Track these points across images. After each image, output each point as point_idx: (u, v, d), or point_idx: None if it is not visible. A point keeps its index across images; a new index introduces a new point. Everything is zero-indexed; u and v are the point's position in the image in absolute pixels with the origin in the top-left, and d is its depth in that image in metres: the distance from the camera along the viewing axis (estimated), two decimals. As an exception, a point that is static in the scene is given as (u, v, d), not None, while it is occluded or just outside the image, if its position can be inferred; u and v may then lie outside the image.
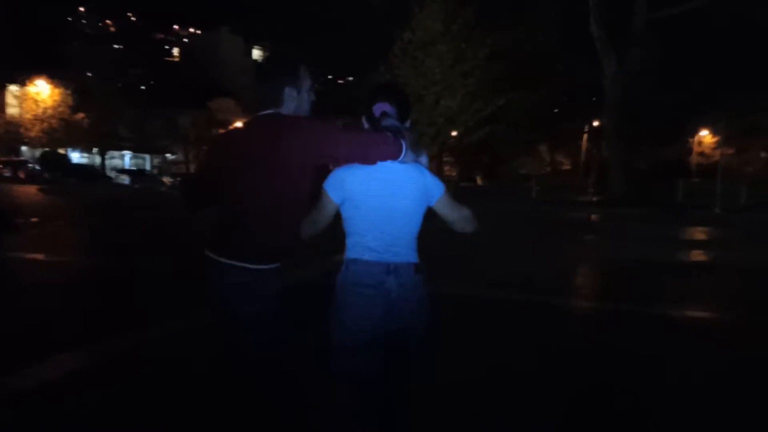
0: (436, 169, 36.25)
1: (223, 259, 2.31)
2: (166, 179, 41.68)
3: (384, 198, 2.32)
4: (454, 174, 49.12)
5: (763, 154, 45.20)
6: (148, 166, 50.84)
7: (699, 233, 13.42)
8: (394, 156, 2.28)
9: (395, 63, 23.85)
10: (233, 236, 2.34)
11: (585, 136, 49.62)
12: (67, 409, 3.28)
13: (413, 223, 2.37)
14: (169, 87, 50.48)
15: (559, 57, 26.84)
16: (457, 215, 2.46)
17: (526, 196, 22.25)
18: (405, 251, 2.34)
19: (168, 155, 50.22)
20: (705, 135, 49.47)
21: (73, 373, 3.76)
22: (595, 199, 22.18)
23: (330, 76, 63.09)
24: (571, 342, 4.85)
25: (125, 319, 5.02)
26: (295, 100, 2.38)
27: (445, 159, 39.89)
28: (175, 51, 70.16)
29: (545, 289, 6.92)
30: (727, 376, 4.14)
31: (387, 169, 2.31)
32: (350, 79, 62.30)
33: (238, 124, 2.54)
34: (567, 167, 51.13)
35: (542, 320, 5.51)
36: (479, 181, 43.67)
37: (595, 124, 47.68)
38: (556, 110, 35.21)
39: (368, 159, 2.27)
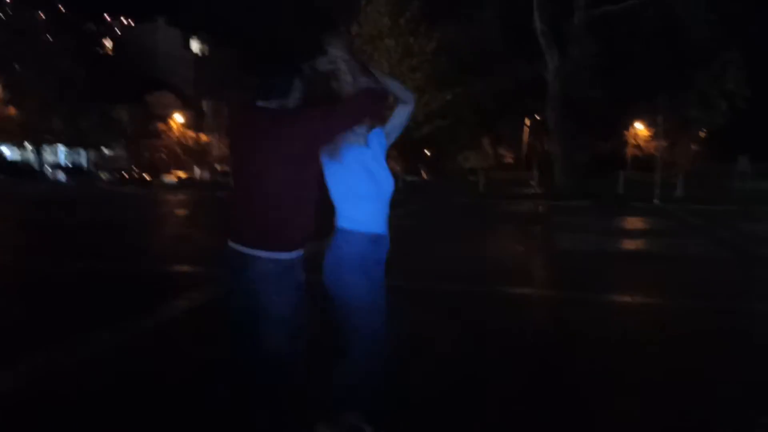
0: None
1: (246, 250, 2.41)
2: (104, 175, 40.40)
3: None
4: (398, 168, 49.31)
5: (693, 147, 46.99)
6: (84, 162, 49.13)
7: (642, 224, 13.94)
8: (383, 100, 2.48)
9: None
10: (249, 224, 2.43)
11: (526, 129, 50.78)
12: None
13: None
14: (104, 80, 48.86)
15: (502, 52, 27.26)
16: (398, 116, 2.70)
17: (473, 190, 22.60)
18: None
19: (105, 150, 48.62)
20: (640, 128, 51.20)
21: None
22: (540, 191, 22.71)
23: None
24: (523, 329, 5.03)
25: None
26: (299, 91, 2.48)
27: (390, 153, 39.86)
28: (108, 43, 67.96)
29: (499, 281, 7.05)
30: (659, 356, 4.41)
31: None
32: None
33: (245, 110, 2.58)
34: (509, 161, 52.08)
35: (494, 310, 5.59)
36: (424, 175, 43.97)
37: (536, 117, 48.89)
38: (499, 105, 35.69)
39: (366, 120, 2.48)
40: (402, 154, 44.87)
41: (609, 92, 29.40)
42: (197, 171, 53.33)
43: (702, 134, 42.18)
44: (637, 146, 53.73)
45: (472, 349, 4.38)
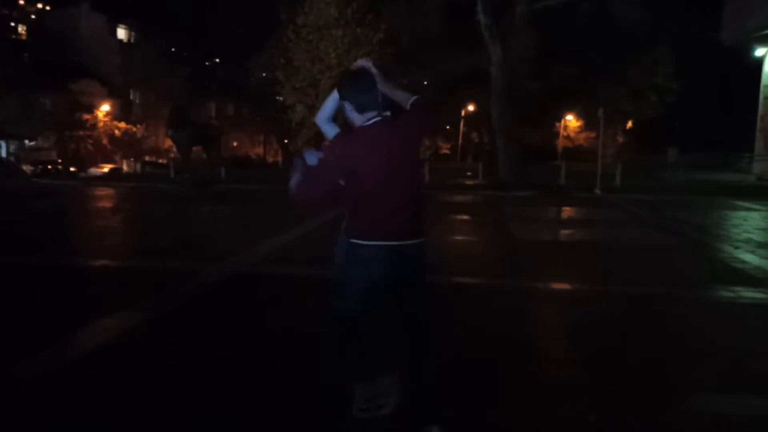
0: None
1: (395, 242, 2.88)
2: (27, 167, 38.37)
3: None
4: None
5: (620, 138, 48.65)
6: (3, 153, 46.54)
7: (588, 213, 14.32)
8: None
9: (289, 47, 23.33)
10: (408, 221, 2.94)
11: (462, 121, 51.46)
12: None
13: None
14: (23, 67, 46.31)
15: (443, 43, 27.41)
16: None
17: (419, 181, 22.68)
18: None
19: (27, 141, 46.16)
20: (570, 120, 52.74)
21: None
22: (484, 182, 22.94)
23: (209, 61, 60.53)
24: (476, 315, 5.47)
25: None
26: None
27: (326, 143, 39.53)
28: (22, 28, 64.43)
29: (454, 270, 7.20)
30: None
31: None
32: (215, 60, 59.98)
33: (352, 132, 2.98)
34: (446, 151, 52.66)
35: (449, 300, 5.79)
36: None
37: (471, 108, 49.59)
38: (438, 96, 35.96)
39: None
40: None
41: (546, 85, 30.16)
42: (126, 163, 51.47)
43: (628, 125, 43.99)
44: (567, 137, 55.51)
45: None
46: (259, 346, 4.59)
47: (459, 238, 10.73)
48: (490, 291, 6.51)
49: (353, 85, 2.94)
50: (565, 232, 11.62)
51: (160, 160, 50.73)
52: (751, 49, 27.74)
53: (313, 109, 23.33)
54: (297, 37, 23.20)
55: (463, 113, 49.86)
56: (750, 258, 8.54)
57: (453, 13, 25.73)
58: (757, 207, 15.59)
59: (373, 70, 3.07)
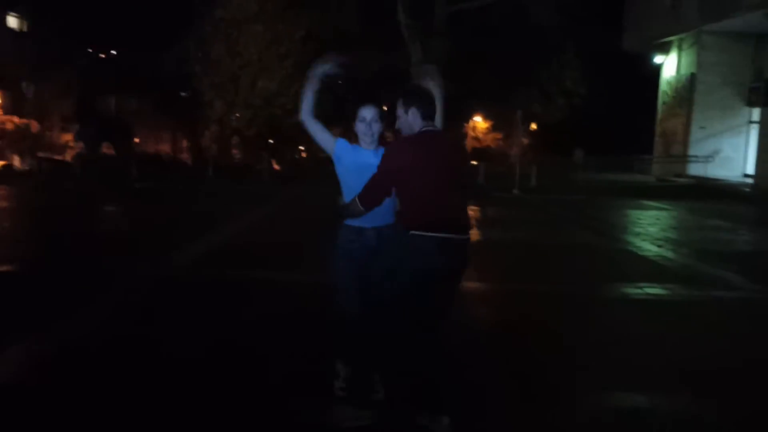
0: (225, 153, 35.03)
1: (457, 236, 3.16)
2: None
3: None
4: (239, 156, 47.79)
5: (525, 140, 50.19)
6: None
7: (511, 212, 14.73)
8: None
9: (207, 40, 22.52)
10: (461, 218, 3.23)
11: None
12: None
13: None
14: None
15: (361, 41, 27.33)
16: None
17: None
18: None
19: None
20: (479, 121, 53.99)
21: None
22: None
23: (110, 52, 57.52)
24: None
25: None
26: None
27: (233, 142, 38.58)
28: None
29: None
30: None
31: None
32: (116, 51, 57.11)
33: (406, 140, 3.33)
34: (358, 151, 52.77)
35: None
36: (275, 165, 43.08)
37: (384, 108, 49.78)
38: (354, 94, 35.84)
39: None
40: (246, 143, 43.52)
41: (461, 87, 30.71)
42: (19, 160, 48.18)
43: (533, 127, 45.61)
44: (476, 138, 56.87)
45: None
46: (206, 355, 4.36)
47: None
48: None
49: (425, 95, 3.33)
50: (488, 231, 11.81)
51: (57, 157, 47.83)
52: (651, 57, 29.42)
53: (233, 106, 22.71)
54: (215, 31, 22.46)
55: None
56: (673, 255, 9.01)
57: (370, 12, 25.73)
58: (664, 206, 16.52)
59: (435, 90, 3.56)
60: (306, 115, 3.50)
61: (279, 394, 3.72)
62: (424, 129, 3.24)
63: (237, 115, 23.23)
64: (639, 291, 6.79)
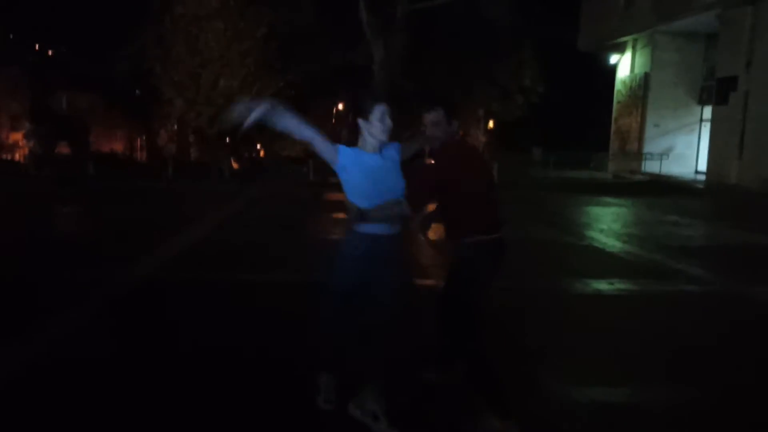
0: (182, 151, 34.45)
1: (495, 235, 3.40)
2: None
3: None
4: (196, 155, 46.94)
5: (482, 138, 50.68)
6: None
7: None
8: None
9: (166, 37, 22.03)
10: (494, 219, 3.44)
11: (333, 119, 51.27)
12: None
13: None
14: None
15: (322, 38, 27.20)
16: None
17: (303, 179, 22.39)
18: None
19: None
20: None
21: None
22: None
23: (59, 49, 55.96)
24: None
25: None
26: None
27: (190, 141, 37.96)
28: None
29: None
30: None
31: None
32: (65, 48, 55.57)
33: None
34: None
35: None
36: (234, 165, 42.54)
37: (340, 106, 49.66)
38: (314, 92, 35.66)
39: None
40: (202, 141, 42.88)
41: (421, 84, 30.85)
42: None
43: (490, 125, 46.16)
44: (434, 136, 57.20)
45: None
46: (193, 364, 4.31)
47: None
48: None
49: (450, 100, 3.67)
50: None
51: (5, 156, 46.28)
52: (606, 56, 30.06)
53: (194, 104, 22.30)
54: (175, 27, 21.98)
55: (335, 111, 49.81)
56: (638, 251, 9.24)
57: (331, 8, 25.62)
58: (623, 203, 16.90)
59: None
60: (305, 131, 3.25)
61: (271, 403, 3.70)
62: (453, 138, 3.50)
63: (199, 113, 22.78)
64: (610, 286, 6.95)
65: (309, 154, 48.20)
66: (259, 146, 46.39)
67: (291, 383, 3.87)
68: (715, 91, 22.51)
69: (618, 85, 29.58)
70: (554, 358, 4.56)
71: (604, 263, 8.32)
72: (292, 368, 4.09)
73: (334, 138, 3.38)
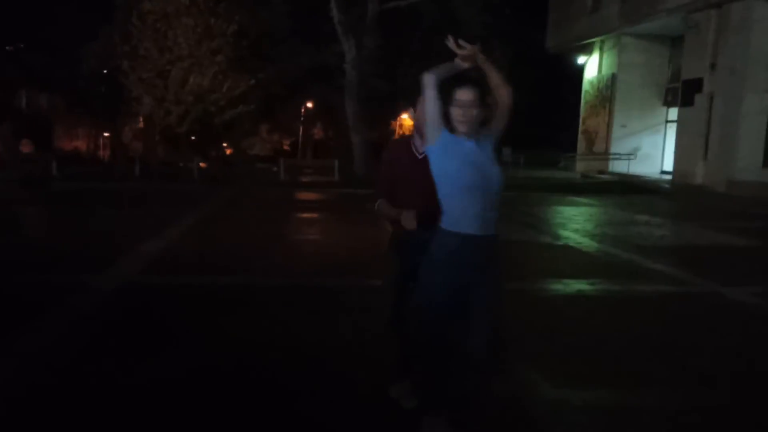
0: (149, 150, 33.84)
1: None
2: None
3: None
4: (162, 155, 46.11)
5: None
6: None
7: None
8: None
9: (134, 34, 21.59)
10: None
11: (303, 117, 50.91)
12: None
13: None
14: None
15: (293, 37, 27.05)
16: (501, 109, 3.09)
17: (273, 178, 22.17)
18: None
19: None
20: (405, 118, 54.42)
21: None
22: (339, 180, 22.81)
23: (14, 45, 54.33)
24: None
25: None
26: None
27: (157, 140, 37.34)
28: None
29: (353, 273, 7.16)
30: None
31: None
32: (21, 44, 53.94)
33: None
34: (287, 148, 52.03)
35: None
36: (202, 164, 42.04)
37: (309, 105, 49.41)
38: (284, 91, 35.41)
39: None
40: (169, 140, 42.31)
41: (391, 84, 30.84)
42: None
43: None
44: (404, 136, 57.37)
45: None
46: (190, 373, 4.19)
47: (360, 239, 10.63)
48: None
49: None
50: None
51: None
52: (574, 57, 30.45)
53: (163, 102, 21.92)
54: (143, 24, 21.55)
55: (303, 110, 49.49)
56: (614, 251, 9.34)
57: (299, 8, 25.45)
58: (594, 203, 17.12)
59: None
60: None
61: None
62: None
63: (168, 111, 22.37)
64: (592, 287, 7.00)
65: (279, 152, 47.96)
66: (225, 145, 45.89)
67: (272, 404, 3.78)
68: (681, 92, 22.96)
69: (585, 86, 29.99)
70: (543, 360, 4.55)
71: (583, 263, 8.38)
72: (274, 386, 4.00)
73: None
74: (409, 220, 3.15)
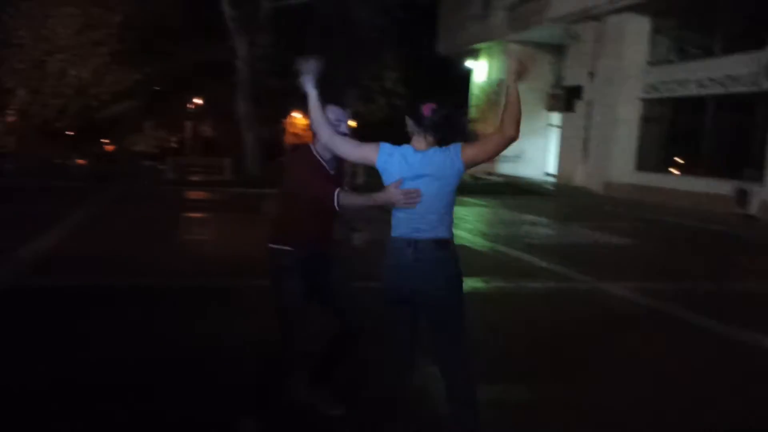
0: (22, 145, 31.65)
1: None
2: None
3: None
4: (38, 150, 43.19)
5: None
6: None
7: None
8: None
9: (6, 21, 19.98)
10: None
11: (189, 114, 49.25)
12: None
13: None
14: None
15: (182, 31, 26.08)
16: (491, 145, 2.91)
17: (161, 177, 21.26)
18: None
19: None
20: (297, 117, 53.89)
21: None
22: (232, 179, 22.20)
23: None
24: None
25: None
26: None
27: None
28: None
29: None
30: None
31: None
32: None
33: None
34: (174, 145, 50.21)
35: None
36: (79, 161, 39.73)
37: (198, 101, 47.90)
38: (170, 86, 34.09)
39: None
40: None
41: (284, 82, 30.48)
42: None
43: (352, 124, 46.67)
44: (296, 134, 56.79)
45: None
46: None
47: (253, 238, 10.37)
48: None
49: None
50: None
51: None
52: (463, 61, 31.35)
53: (37, 94, 20.47)
54: (16, 11, 19.99)
55: (191, 106, 47.93)
56: (507, 250, 9.71)
57: (189, 1, 24.63)
58: (484, 203, 17.71)
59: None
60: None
61: None
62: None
63: (44, 104, 20.92)
64: (486, 285, 7.22)
65: (165, 150, 46.17)
66: (107, 142, 43.61)
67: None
68: (563, 99, 24.19)
69: (474, 90, 30.93)
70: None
71: (477, 262, 8.62)
72: (151, 395, 3.85)
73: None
74: (395, 194, 2.87)
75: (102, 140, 40.59)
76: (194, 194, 17.69)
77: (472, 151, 2.87)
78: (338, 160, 3.29)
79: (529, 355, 4.90)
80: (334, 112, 3.20)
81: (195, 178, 21.77)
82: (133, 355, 4.42)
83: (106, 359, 4.30)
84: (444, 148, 2.89)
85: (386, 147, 2.93)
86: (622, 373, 4.60)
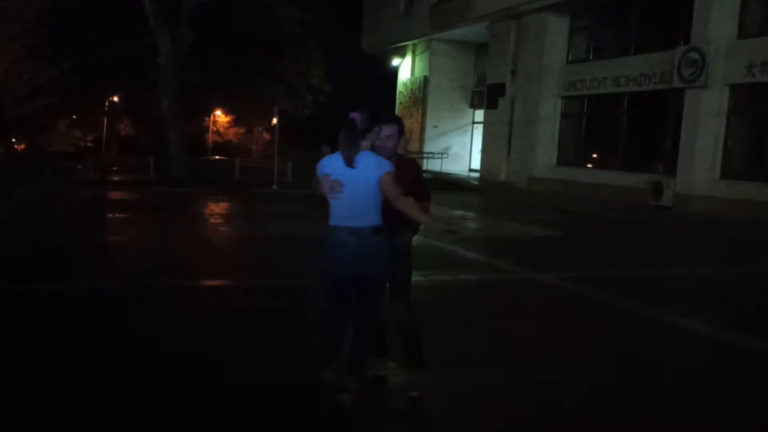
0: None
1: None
2: None
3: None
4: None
5: (266, 135, 50.36)
6: None
7: (278, 208, 14.84)
8: None
9: None
10: None
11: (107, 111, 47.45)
12: None
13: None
14: None
15: (98, 26, 25.14)
16: (390, 193, 3.39)
17: (79, 177, 20.37)
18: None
19: None
20: (219, 115, 52.75)
21: None
22: (155, 178, 21.55)
23: None
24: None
25: None
26: None
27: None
28: None
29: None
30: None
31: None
32: None
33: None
34: (89, 144, 48.29)
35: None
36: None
37: (115, 99, 46.26)
38: (85, 83, 32.81)
39: None
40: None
41: (204, 79, 29.90)
42: None
43: (273, 123, 46.22)
44: (217, 132, 55.58)
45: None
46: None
47: (176, 238, 10.12)
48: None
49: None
50: (265, 227, 11.79)
51: None
52: (388, 59, 31.59)
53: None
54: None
55: (107, 104, 46.25)
56: (440, 244, 9.89)
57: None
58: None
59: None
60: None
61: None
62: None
63: None
64: (425, 278, 7.35)
65: (81, 149, 44.38)
66: (14, 140, 41.55)
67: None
68: (486, 96, 24.77)
69: (400, 87, 31.24)
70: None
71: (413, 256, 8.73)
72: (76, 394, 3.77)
73: None
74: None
75: (11, 139, 38.58)
76: (117, 194, 17.08)
77: (385, 181, 3.34)
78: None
79: (474, 342, 5.05)
80: (387, 129, 3.53)
81: (117, 177, 21.03)
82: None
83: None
84: (378, 157, 3.39)
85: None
86: (562, 353, 4.80)
